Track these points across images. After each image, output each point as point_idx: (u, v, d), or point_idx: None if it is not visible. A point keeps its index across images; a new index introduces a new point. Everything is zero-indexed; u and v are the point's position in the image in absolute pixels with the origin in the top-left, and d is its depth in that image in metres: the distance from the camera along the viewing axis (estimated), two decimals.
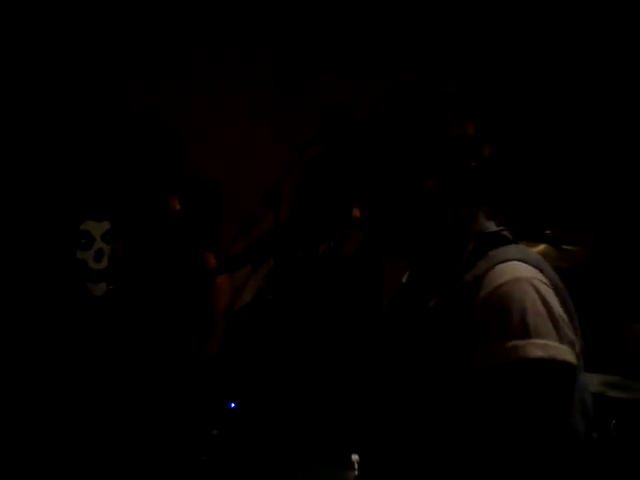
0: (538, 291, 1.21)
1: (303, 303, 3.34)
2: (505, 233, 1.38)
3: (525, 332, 1.17)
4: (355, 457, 2.34)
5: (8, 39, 3.88)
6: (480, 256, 1.30)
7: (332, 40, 4.67)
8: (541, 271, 1.27)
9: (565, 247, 2.58)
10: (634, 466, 2.47)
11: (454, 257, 1.35)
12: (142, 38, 4.43)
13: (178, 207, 2.73)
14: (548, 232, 2.59)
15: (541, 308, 1.19)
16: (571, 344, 1.21)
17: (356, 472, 2.29)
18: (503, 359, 1.17)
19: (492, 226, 1.39)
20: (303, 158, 3.77)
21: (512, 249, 1.31)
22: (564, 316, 1.24)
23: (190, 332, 2.72)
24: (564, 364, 1.18)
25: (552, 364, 1.16)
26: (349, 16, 4.63)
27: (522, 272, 1.24)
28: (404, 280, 1.58)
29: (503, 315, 1.19)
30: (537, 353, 1.16)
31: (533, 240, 2.58)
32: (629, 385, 2.62)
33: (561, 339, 1.19)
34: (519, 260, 1.26)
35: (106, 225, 2.77)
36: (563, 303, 1.27)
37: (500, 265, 1.25)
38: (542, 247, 2.56)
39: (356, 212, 2.80)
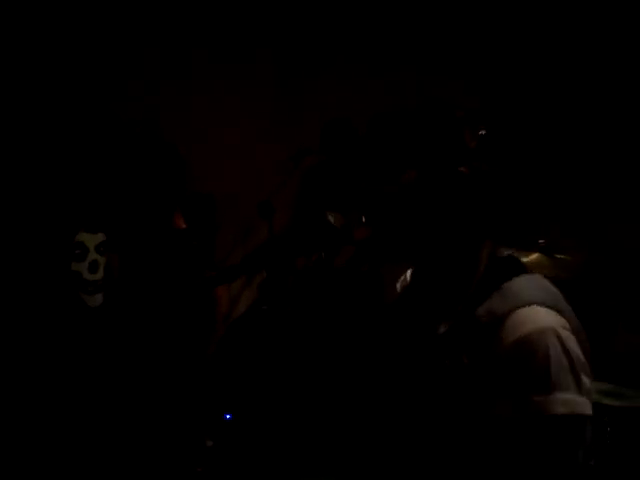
0: (562, 342, 1.22)
1: (297, 313, 3.35)
2: (516, 255, 1.38)
3: (547, 386, 1.19)
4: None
5: (6, 43, 3.88)
6: (494, 286, 1.30)
7: (332, 40, 4.65)
8: (560, 312, 1.27)
9: (558, 256, 2.57)
10: (630, 473, 2.47)
11: (463, 277, 1.34)
12: (142, 38, 4.43)
13: (184, 226, 2.75)
14: (541, 242, 2.59)
15: (564, 361, 1.21)
16: (588, 392, 1.23)
17: None
18: (526, 413, 1.19)
19: (503, 250, 1.38)
20: (298, 168, 3.77)
21: (528, 284, 1.31)
22: (583, 360, 1.25)
23: (189, 344, 2.74)
24: (582, 417, 1.20)
25: (572, 418, 1.19)
26: (349, 16, 4.61)
27: (545, 320, 1.24)
28: (399, 287, 1.57)
29: (527, 368, 1.20)
30: (559, 410, 1.18)
31: (527, 249, 2.57)
32: (624, 393, 2.62)
33: (580, 390, 1.21)
34: (539, 304, 1.26)
35: (100, 237, 2.77)
36: (580, 343, 1.27)
37: (521, 310, 1.25)
38: (535, 256, 2.55)
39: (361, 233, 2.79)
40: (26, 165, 3.13)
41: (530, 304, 1.25)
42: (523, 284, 1.30)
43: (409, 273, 1.55)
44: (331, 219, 2.14)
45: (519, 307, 1.25)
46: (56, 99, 3.92)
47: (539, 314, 1.24)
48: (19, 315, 2.68)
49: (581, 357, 1.24)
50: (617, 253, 3.09)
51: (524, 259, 2.50)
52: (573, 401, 1.19)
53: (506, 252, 1.37)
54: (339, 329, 3.24)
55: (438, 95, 1.43)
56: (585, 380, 1.23)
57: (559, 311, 1.27)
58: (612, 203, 3.62)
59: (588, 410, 1.21)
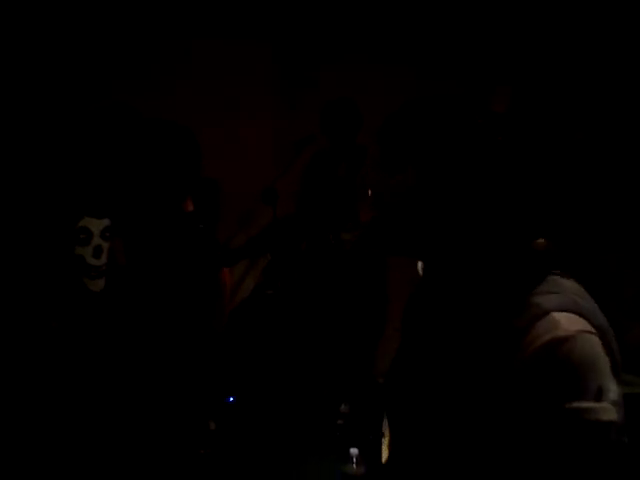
0: (581, 349, 1.19)
1: (304, 296, 3.34)
2: (548, 255, 1.33)
3: (564, 395, 1.17)
4: (354, 451, 2.35)
5: (10, 38, 3.90)
6: (521, 295, 1.28)
7: (333, 35, 4.65)
8: (582, 315, 1.24)
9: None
10: (634, 461, 2.47)
11: (486, 274, 1.33)
12: (141, 36, 4.44)
13: (191, 208, 2.75)
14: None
15: (583, 368, 1.18)
16: (612, 397, 1.19)
17: (354, 466, 2.30)
18: (541, 422, 1.18)
19: (534, 246, 1.34)
20: (300, 155, 3.78)
21: (548, 289, 1.28)
22: (607, 363, 1.22)
23: (193, 327, 2.73)
24: (599, 424, 1.17)
25: (588, 426, 1.16)
26: (350, 11, 4.62)
27: (564, 329, 1.20)
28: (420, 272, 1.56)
29: (543, 377, 1.19)
30: (574, 418, 1.16)
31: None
32: (628, 380, 2.62)
33: (600, 397, 1.18)
34: (558, 310, 1.23)
35: (105, 222, 2.77)
36: (607, 343, 1.24)
37: (540, 321, 1.22)
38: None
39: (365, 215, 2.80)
40: (31, 151, 3.13)
41: (548, 312, 1.23)
42: (544, 290, 1.27)
43: (420, 266, 1.54)
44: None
45: (539, 318, 1.23)
46: (59, 86, 3.93)
47: (559, 322, 1.21)
48: (21, 299, 2.67)
49: (606, 360, 1.21)
50: (621, 240, 3.09)
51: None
52: (589, 409, 1.16)
53: (537, 248, 1.34)
54: (344, 313, 3.24)
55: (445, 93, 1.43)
56: (608, 385, 1.19)
57: (581, 314, 1.23)
58: (615, 192, 3.63)
59: (607, 416, 1.17)
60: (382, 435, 2.66)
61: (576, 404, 1.16)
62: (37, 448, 2.52)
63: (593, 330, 1.22)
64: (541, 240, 1.32)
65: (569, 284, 1.31)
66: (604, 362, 1.21)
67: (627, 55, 4.03)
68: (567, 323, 1.21)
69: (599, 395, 1.18)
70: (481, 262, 1.33)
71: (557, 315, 1.22)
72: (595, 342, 1.21)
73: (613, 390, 1.20)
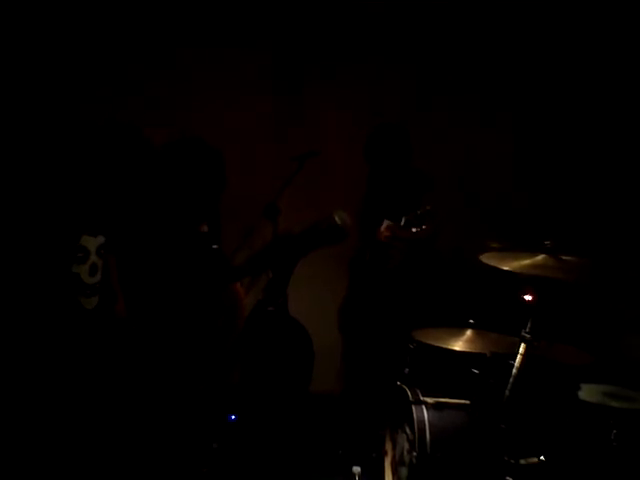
0: None
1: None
2: None
3: None
4: (356, 469, 2.34)
5: (9, 51, 3.90)
6: None
7: (333, 39, 4.64)
8: None
9: (564, 258, 2.55)
10: (635, 475, 2.47)
11: None
12: (143, 39, 4.43)
13: (206, 229, 2.76)
14: (547, 243, 2.56)
15: None
16: None
17: None
18: None
19: None
20: (302, 169, 3.77)
21: None
22: None
23: (199, 343, 2.73)
24: None
25: None
26: (349, 16, 4.61)
27: None
28: None
29: None
30: None
31: (532, 250, 2.55)
32: (630, 395, 2.62)
33: None
34: None
35: (100, 239, 2.76)
36: None
37: None
38: (541, 257, 2.53)
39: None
40: (34, 171, 3.12)
41: None
42: None
43: None
44: (338, 220, 2.14)
45: None
46: (60, 106, 3.92)
47: None
48: (18, 317, 2.65)
49: None
50: (621, 255, 3.09)
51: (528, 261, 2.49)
52: None
53: None
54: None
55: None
56: None
57: None
58: (616, 205, 3.64)
59: None
60: (384, 453, 2.66)
61: None
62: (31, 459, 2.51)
63: None
64: None
65: None
66: None
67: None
68: None
69: None
70: None
71: None
72: None
73: None
